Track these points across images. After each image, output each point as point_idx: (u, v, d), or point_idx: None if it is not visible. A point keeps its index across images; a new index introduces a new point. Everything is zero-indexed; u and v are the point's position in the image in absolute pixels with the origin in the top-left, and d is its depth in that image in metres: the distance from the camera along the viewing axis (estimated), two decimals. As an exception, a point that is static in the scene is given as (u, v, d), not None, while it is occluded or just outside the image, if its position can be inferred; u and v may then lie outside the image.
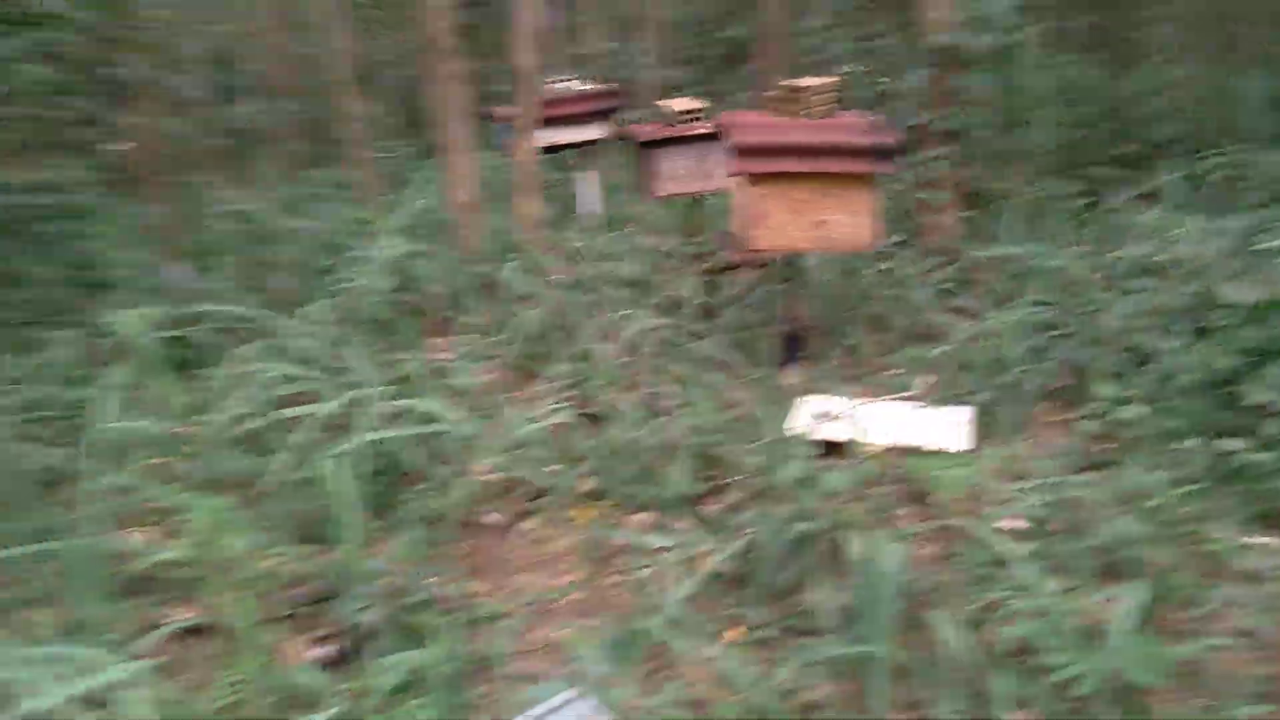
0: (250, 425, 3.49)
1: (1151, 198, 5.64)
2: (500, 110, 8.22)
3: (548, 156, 7.22)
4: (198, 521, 2.63)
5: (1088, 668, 2.07)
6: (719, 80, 12.91)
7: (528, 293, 5.24)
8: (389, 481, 3.45)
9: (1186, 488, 3.01)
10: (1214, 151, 6.11)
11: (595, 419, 3.93)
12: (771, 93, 4.17)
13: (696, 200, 6.35)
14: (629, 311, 4.84)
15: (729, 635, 2.67)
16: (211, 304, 4.57)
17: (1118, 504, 2.91)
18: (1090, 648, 2.17)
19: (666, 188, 5.90)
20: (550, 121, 7.14)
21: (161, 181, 7.10)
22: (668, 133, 5.62)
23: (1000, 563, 2.74)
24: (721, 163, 5.75)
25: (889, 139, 3.91)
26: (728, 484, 3.42)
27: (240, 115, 10.16)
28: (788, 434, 3.33)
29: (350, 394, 3.48)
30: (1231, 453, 3.21)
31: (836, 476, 2.92)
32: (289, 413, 3.39)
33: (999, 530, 2.79)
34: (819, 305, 5.11)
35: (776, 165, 3.89)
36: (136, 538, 3.17)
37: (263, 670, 2.45)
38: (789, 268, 4.62)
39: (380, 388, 3.61)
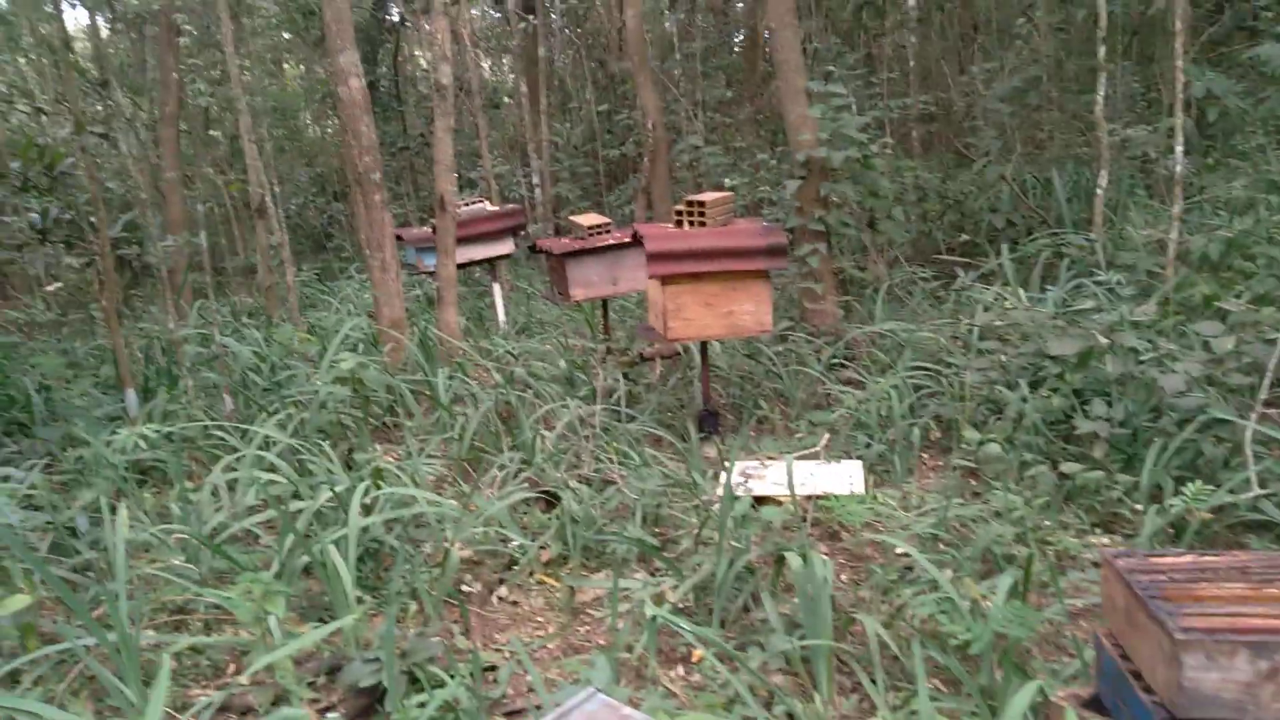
0: (244, 523, 3.85)
1: (990, 276, 6.69)
2: (409, 233, 8.87)
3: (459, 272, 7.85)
4: (238, 603, 2.98)
5: (978, 633, 2.71)
6: (604, 195, 13.96)
7: (465, 394, 5.76)
8: (373, 564, 3.86)
9: (1040, 501, 3.78)
10: (1035, 236, 7.30)
11: (549, 495, 4.44)
12: (678, 206, 4.95)
13: (605, 304, 7.07)
14: (562, 403, 5.42)
15: (695, 655, 3.20)
16: (177, 426, 4.90)
17: (989, 519, 3.64)
18: (978, 621, 2.82)
19: (579, 294, 6.58)
20: (463, 240, 7.81)
21: (91, 316, 7.26)
22: (580, 245, 6.33)
23: (902, 576, 3.39)
24: (627, 269, 6.51)
25: (780, 239, 4.72)
26: (675, 538, 3.99)
27: (149, 251, 10.38)
28: (722, 490, 3.94)
29: (335, 489, 3.90)
30: (1071, 475, 4.01)
31: (770, 512, 3.55)
32: (293, 507, 3.78)
33: (902, 550, 3.44)
34: (729, 385, 5.82)
35: (689, 267, 4.63)
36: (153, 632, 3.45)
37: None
38: (698, 356, 5.32)
39: (358, 483, 4.03)
